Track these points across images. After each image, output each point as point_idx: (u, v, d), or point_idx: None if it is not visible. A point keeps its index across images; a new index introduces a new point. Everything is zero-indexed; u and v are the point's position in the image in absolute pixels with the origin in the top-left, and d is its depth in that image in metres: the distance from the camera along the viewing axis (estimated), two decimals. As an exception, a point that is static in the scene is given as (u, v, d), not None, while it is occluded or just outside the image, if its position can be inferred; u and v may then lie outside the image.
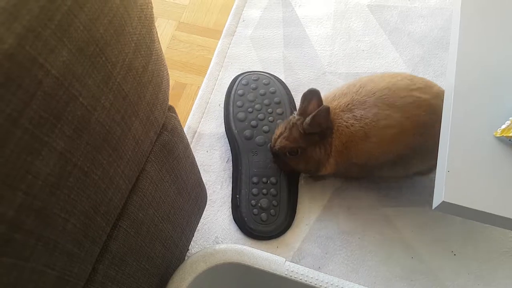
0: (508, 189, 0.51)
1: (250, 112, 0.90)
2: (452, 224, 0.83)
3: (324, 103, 0.76)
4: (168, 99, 0.50)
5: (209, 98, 1.00)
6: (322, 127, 0.74)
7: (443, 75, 1.00)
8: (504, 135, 0.53)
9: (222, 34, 1.08)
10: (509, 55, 0.61)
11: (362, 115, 0.72)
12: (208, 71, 1.03)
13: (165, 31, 1.10)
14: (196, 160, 0.64)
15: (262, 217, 0.81)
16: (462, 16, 0.65)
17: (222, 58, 1.05)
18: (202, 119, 0.97)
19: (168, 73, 0.49)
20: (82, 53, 0.30)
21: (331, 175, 0.86)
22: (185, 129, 0.95)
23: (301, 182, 0.88)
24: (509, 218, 0.49)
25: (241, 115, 0.90)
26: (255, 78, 0.95)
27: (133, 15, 0.36)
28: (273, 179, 0.84)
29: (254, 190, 0.83)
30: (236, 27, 1.09)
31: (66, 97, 0.29)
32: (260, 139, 0.87)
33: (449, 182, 0.52)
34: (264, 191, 0.83)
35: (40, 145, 0.28)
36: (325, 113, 0.72)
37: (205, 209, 0.75)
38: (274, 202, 0.83)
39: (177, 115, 0.55)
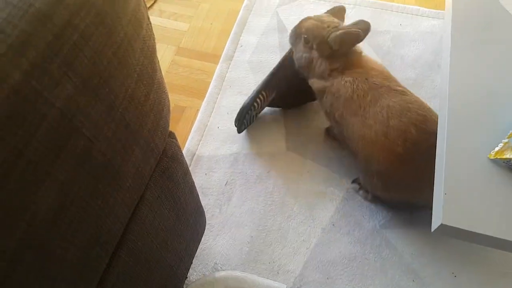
0: (504, 211, 0.51)
1: None
2: (452, 246, 0.83)
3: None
4: (168, 126, 0.50)
5: (208, 120, 1.01)
6: (342, 49, 0.76)
7: (436, 96, 1.01)
8: (498, 157, 0.54)
9: (221, 59, 1.09)
10: (499, 77, 0.62)
11: (374, 94, 0.73)
12: (207, 94, 1.04)
13: (164, 55, 1.12)
14: (194, 183, 0.64)
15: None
16: (452, 41, 0.67)
17: (221, 82, 1.06)
18: (201, 142, 0.98)
19: (169, 100, 0.49)
20: (86, 85, 0.30)
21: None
22: (184, 152, 0.95)
23: (298, 202, 0.88)
24: (507, 240, 0.49)
25: None
26: None
27: (136, 47, 0.37)
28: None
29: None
30: (234, 52, 1.11)
31: (70, 128, 0.29)
32: None
33: (447, 204, 0.52)
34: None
35: (43, 176, 0.28)
36: (355, 38, 0.74)
37: (203, 234, 0.75)
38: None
39: (177, 140, 0.55)
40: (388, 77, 0.78)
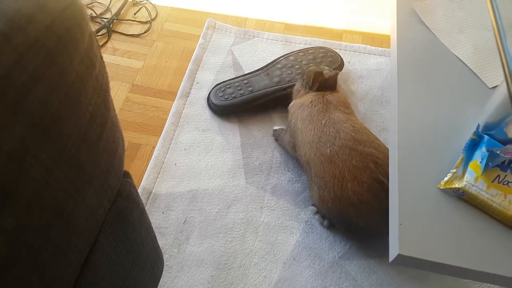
0: (457, 239, 0.54)
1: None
2: (411, 276, 0.85)
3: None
4: (123, 165, 0.49)
5: (165, 157, 0.99)
6: (314, 86, 0.95)
7: (385, 130, 1.06)
8: (447, 187, 0.57)
9: (177, 96, 1.09)
10: (445, 110, 0.67)
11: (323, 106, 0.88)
12: (164, 131, 1.03)
13: (118, 93, 1.10)
14: (151, 223, 0.62)
15: (223, 96, 1.06)
16: (398, 77, 0.71)
17: (177, 118, 1.06)
18: (157, 179, 0.95)
19: (123, 139, 0.48)
20: (36, 127, 0.29)
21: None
22: (139, 191, 0.92)
23: (259, 237, 0.87)
24: (462, 268, 0.51)
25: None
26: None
27: (89, 86, 0.36)
28: (251, 89, 1.07)
29: (236, 83, 1.08)
30: (191, 89, 1.11)
31: (18, 172, 0.28)
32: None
33: (403, 235, 0.54)
34: (239, 87, 1.07)
35: (-13, 226, 0.26)
36: (319, 75, 0.93)
37: (161, 276, 0.72)
38: (239, 93, 1.06)
39: (132, 180, 0.54)
40: (342, 101, 0.92)
